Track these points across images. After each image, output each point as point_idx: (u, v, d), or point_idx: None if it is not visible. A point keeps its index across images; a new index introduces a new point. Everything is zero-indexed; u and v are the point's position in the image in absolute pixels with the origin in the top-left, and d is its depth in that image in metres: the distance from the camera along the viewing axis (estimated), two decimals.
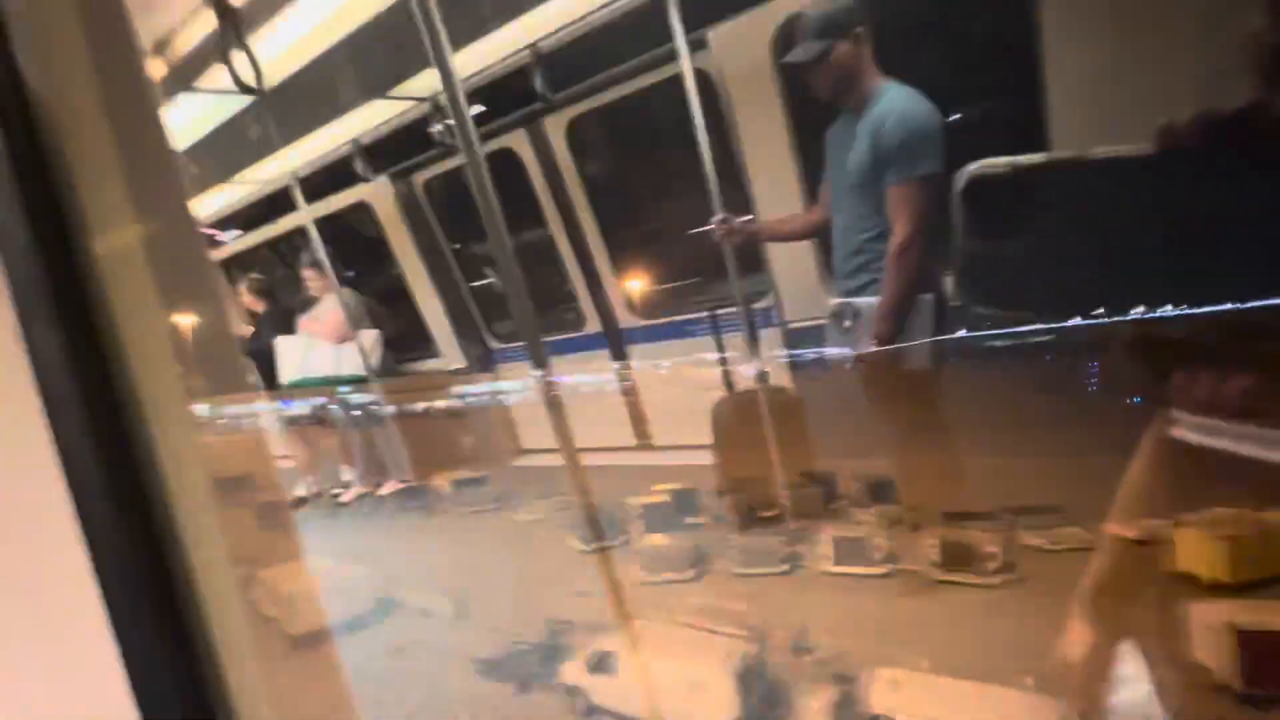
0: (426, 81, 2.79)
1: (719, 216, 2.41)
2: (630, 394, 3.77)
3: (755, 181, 2.83)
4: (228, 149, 3.35)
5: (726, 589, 2.16)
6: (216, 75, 2.32)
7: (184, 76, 2.26)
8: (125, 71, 0.57)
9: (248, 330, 4.36)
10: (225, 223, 4.64)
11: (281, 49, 2.33)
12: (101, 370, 0.49)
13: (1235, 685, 1.27)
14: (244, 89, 1.43)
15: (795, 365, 2.89)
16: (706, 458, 2.88)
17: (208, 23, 1.99)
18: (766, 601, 2.03)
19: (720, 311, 3.10)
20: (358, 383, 4.03)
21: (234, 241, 4.96)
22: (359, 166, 3.65)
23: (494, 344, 4.39)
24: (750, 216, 2.78)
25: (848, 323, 2.16)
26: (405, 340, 4.66)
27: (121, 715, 0.50)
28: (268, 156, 3.41)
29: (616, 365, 3.77)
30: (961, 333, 2.09)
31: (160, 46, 2.09)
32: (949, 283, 2.11)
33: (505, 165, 3.51)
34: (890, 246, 1.98)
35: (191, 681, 0.51)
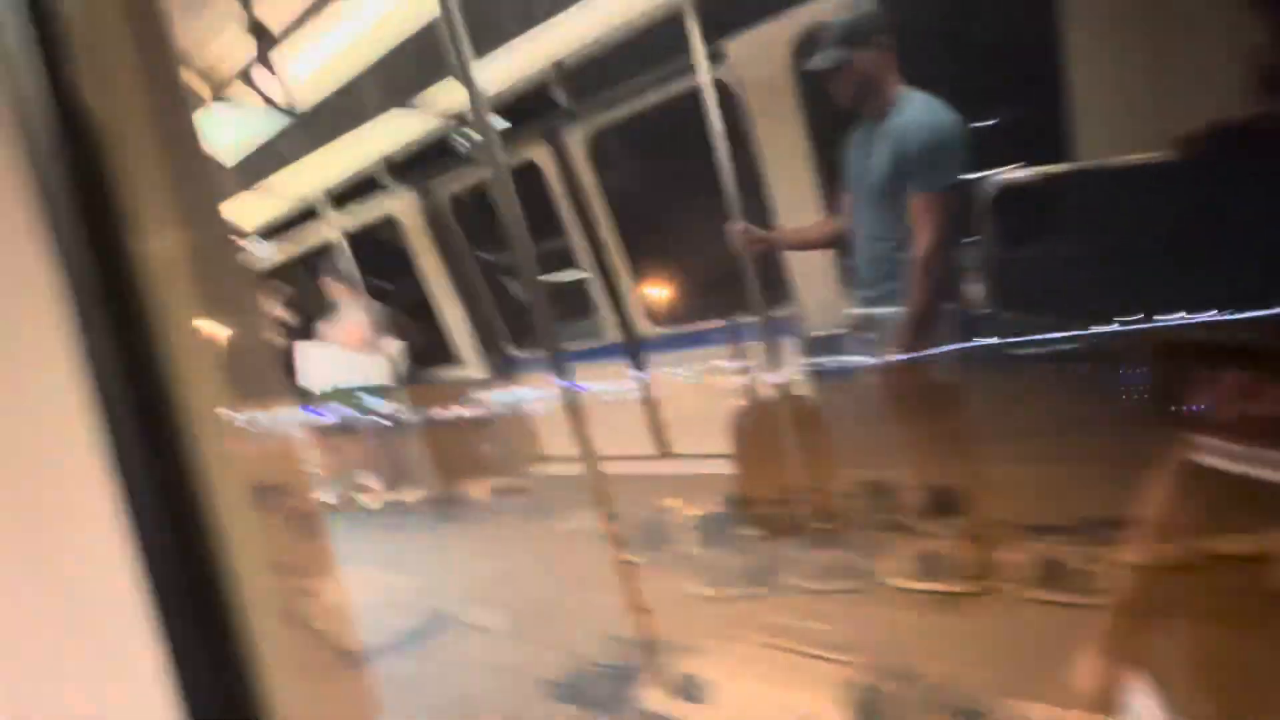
0: (453, 95, 2.86)
1: (739, 226, 2.41)
2: (651, 403, 3.76)
3: (775, 191, 2.84)
4: (263, 165, 3.46)
5: (799, 606, 2.02)
6: (255, 95, 2.41)
7: (225, 96, 2.35)
8: (169, 90, 0.60)
9: (279, 339, 4.47)
10: (257, 235, 4.78)
11: (316, 66, 2.41)
12: (150, 375, 0.52)
13: None
14: (276, 109, 1.49)
15: (822, 374, 2.84)
16: (740, 467, 2.81)
17: (248, 45, 2.07)
18: (848, 621, 1.88)
19: (740, 320, 3.09)
20: (382, 391, 4.10)
21: (266, 253, 5.11)
22: (386, 180, 3.74)
23: (515, 353, 4.43)
24: (770, 226, 2.78)
25: (868, 334, 2.14)
26: (428, 349, 4.73)
27: (164, 713, 0.51)
28: (300, 171, 3.52)
29: (638, 374, 3.77)
30: (988, 340, 2.06)
31: (205, 70, 2.18)
32: (974, 290, 2.08)
33: (527, 177, 3.57)
34: (912, 257, 1.97)
35: (232, 687, 0.52)
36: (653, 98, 3.10)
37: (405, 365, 4.19)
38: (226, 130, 2.79)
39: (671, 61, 2.79)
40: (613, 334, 3.81)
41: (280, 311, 4.50)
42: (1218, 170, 0.57)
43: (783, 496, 2.52)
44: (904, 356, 2.00)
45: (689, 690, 1.58)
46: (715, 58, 2.59)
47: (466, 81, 1.62)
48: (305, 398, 4.15)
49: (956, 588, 1.88)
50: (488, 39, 2.43)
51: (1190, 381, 0.68)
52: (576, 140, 3.41)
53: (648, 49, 2.71)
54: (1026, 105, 2.41)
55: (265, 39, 1.74)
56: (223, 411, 0.57)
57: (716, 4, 2.42)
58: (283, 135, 3.16)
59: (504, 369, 4.43)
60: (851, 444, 2.59)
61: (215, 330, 0.61)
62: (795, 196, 2.79)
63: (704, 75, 2.42)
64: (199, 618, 0.52)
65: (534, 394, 4.27)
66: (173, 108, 0.60)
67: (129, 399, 0.51)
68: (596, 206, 3.54)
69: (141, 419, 0.52)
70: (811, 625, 1.83)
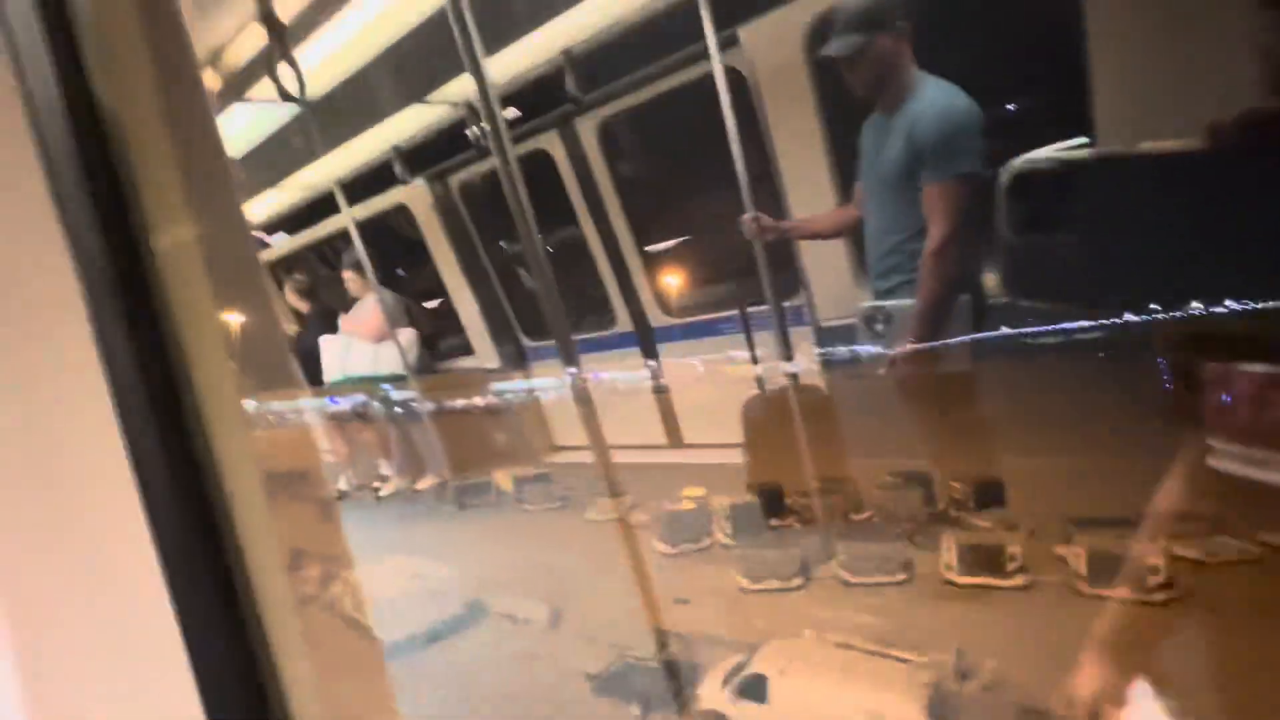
0: (463, 86, 2.86)
1: (750, 214, 2.39)
2: (667, 392, 3.77)
3: (787, 179, 2.81)
4: (275, 156, 3.49)
5: (843, 599, 1.95)
6: (266, 86, 2.43)
7: (236, 88, 2.36)
8: (184, 84, 0.61)
9: (293, 329, 4.52)
10: (272, 226, 4.83)
11: (325, 57, 2.41)
12: (166, 366, 0.53)
13: None
14: (289, 99, 1.50)
15: (841, 364, 2.80)
16: (763, 457, 2.76)
17: (258, 37, 2.08)
18: (897, 615, 1.82)
19: (751, 310, 3.08)
20: (396, 380, 4.14)
21: (280, 244, 5.16)
22: (398, 170, 3.75)
23: (527, 342, 4.45)
24: (782, 215, 2.76)
25: (879, 326, 2.12)
26: (441, 339, 4.77)
27: (185, 702, 0.53)
28: (311, 162, 3.54)
29: (651, 364, 3.77)
30: (1003, 331, 2.03)
31: (214, 60, 2.20)
32: (990, 280, 2.05)
33: (539, 166, 3.56)
34: (926, 247, 1.93)
35: (251, 672, 0.53)
36: (664, 86, 3.07)
37: (420, 355, 4.22)
38: (241, 122, 2.81)
39: (683, 49, 2.76)
40: (624, 324, 3.81)
41: (296, 300, 4.55)
42: (1245, 159, 0.56)
43: (814, 487, 2.45)
44: (916, 347, 1.98)
45: (747, 687, 1.47)
46: (727, 44, 2.56)
47: (475, 70, 1.61)
48: (322, 387, 4.21)
49: (1006, 582, 1.82)
50: (498, 28, 2.42)
51: (1209, 376, 0.66)
52: (588, 129, 3.40)
53: (659, 36, 2.68)
54: (1046, 90, 2.36)
55: (277, 29, 1.75)
56: (240, 401, 0.58)
57: None
58: (296, 126, 3.18)
59: (517, 359, 4.45)
60: (878, 434, 2.53)
61: (232, 322, 0.62)
62: (808, 185, 2.76)
63: (716, 62, 2.39)
64: (218, 604, 0.53)
65: (549, 383, 4.29)
66: (188, 102, 0.60)
67: (147, 391, 0.52)
68: (608, 195, 3.53)
69: (159, 410, 0.53)
70: (863, 619, 1.78)
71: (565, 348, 1.91)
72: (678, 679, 1.67)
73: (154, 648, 0.52)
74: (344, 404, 4.22)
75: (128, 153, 0.54)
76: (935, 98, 1.91)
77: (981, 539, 1.93)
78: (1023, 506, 2.10)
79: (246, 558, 0.55)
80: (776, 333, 2.66)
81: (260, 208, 4.26)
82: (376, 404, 4.23)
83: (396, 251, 4.85)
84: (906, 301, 2.01)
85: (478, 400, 4.45)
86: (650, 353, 3.81)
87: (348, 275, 4.21)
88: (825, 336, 2.92)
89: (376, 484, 4.28)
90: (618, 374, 3.83)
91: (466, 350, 4.64)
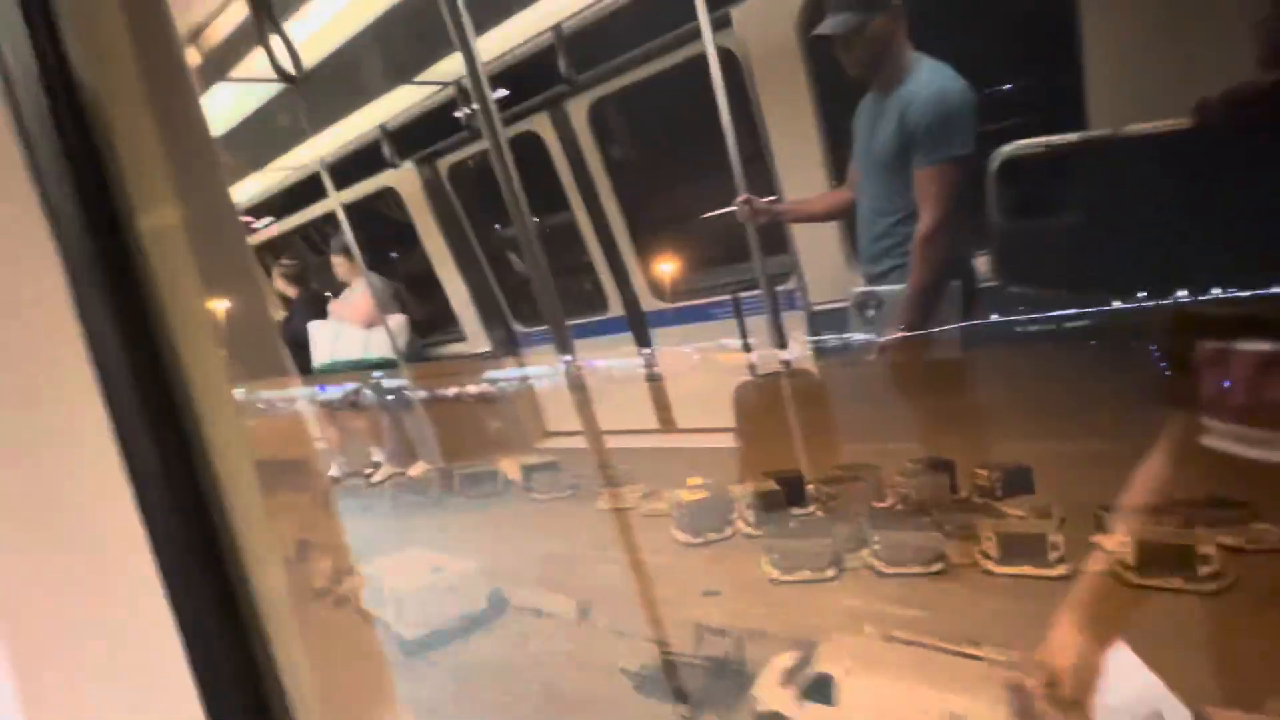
0: (451, 66, 2.81)
1: (742, 197, 2.38)
2: (657, 379, 3.77)
3: (780, 161, 2.79)
4: (259, 137, 3.42)
5: (878, 591, 1.86)
6: (249, 65, 2.37)
7: (218, 66, 2.30)
8: (166, 62, 0.59)
9: (282, 315, 4.47)
10: (257, 210, 4.76)
11: (309, 35, 2.36)
12: (152, 353, 0.52)
13: None
14: (283, 76, 1.45)
15: (829, 350, 2.78)
16: (761, 444, 2.72)
17: (239, 13, 2.03)
18: (937, 608, 1.74)
19: (744, 294, 3.08)
20: (386, 366, 4.12)
21: (266, 228, 5.08)
22: (386, 152, 3.69)
23: (518, 327, 4.44)
24: (774, 197, 2.75)
25: (870, 312, 2.12)
26: (432, 324, 4.74)
27: (182, 697, 0.52)
28: (297, 143, 3.47)
29: (646, 350, 3.76)
30: (994, 317, 2.03)
31: (195, 37, 2.14)
32: (981, 265, 2.06)
33: (529, 149, 3.52)
34: (917, 231, 1.93)
35: (249, 666, 0.53)
36: (656, 67, 3.03)
37: (410, 340, 4.20)
38: (222, 103, 2.75)
39: (675, 29, 2.73)
40: (616, 308, 3.80)
41: (284, 286, 4.50)
42: (1234, 139, 0.56)
43: (838, 475, 2.38)
44: (907, 334, 1.99)
45: (812, 688, 1.35)
46: (720, 25, 2.52)
47: (465, 49, 1.58)
48: (313, 374, 4.18)
49: (1048, 571, 1.76)
50: (488, 5, 2.37)
51: (1203, 360, 0.67)
52: (578, 111, 3.36)
53: (650, 15, 2.64)
54: (1039, 71, 2.35)
55: (259, 3, 1.70)
56: (230, 389, 0.57)
57: None
58: (282, 107, 3.11)
59: (508, 344, 4.44)
60: (877, 420, 2.49)
61: (219, 306, 0.61)
62: (801, 167, 2.75)
63: (709, 43, 2.36)
64: (213, 598, 0.53)
65: (543, 370, 4.27)
66: (171, 82, 0.59)
67: (135, 378, 0.51)
68: (599, 178, 3.50)
69: (148, 397, 0.52)
70: (907, 612, 1.69)
71: (558, 333, 1.90)
72: (729, 677, 1.56)
73: (149, 639, 0.52)
74: (335, 391, 4.19)
75: (110, 135, 0.53)
76: (929, 80, 1.89)
77: (1022, 527, 1.86)
78: (1046, 494, 2.04)
79: (241, 546, 0.55)
80: (769, 318, 2.66)
81: (245, 191, 4.19)
82: (368, 391, 4.20)
83: (386, 236, 4.80)
84: (898, 287, 2.01)
85: (470, 388, 4.43)
86: (642, 338, 3.80)
87: (336, 260, 4.16)
88: (818, 320, 2.93)
89: (368, 470, 4.28)
90: (613, 361, 3.81)
91: (457, 335, 4.62)
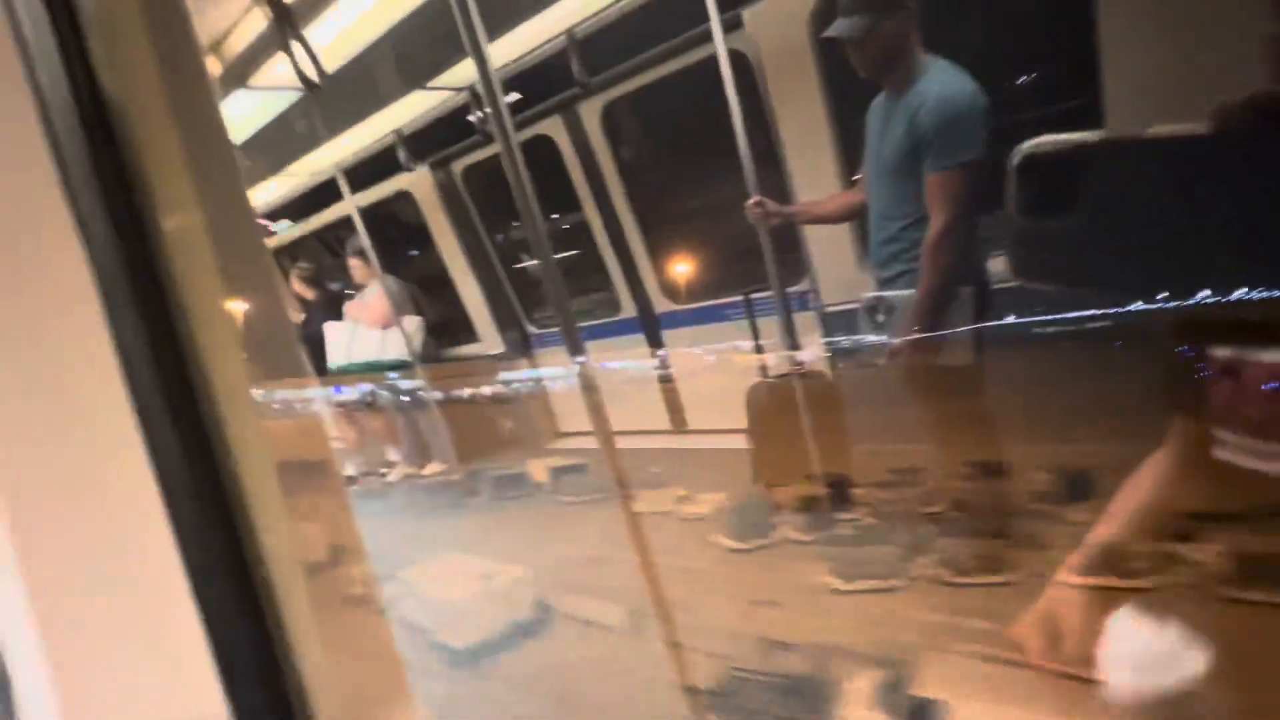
0: (466, 71, 2.84)
1: (754, 199, 2.38)
2: (670, 380, 3.76)
3: (792, 163, 2.79)
4: (277, 143, 3.48)
5: (949, 602, 1.71)
6: (267, 72, 2.42)
7: (238, 74, 2.35)
8: (188, 73, 0.61)
9: (299, 317, 4.54)
10: (275, 214, 4.84)
11: (326, 43, 2.40)
12: (178, 356, 0.54)
13: None
14: (306, 82, 1.48)
15: (843, 352, 2.71)
16: (770, 446, 2.62)
17: (258, 23, 2.07)
18: (1012, 619, 1.56)
19: (756, 295, 3.07)
20: (401, 367, 4.16)
21: (284, 231, 5.17)
22: (401, 156, 3.74)
23: (531, 329, 4.47)
24: (788, 202, 2.74)
25: (880, 317, 2.09)
26: (446, 326, 4.78)
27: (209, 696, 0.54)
28: (314, 149, 3.53)
29: (662, 352, 3.75)
30: (1009, 319, 1.99)
31: (216, 46, 2.19)
32: (995, 267, 2.03)
33: (542, 152, 3.54)
34: (926, 237, 1.89)
35: (271, 663, 0.55)
36: (667, 69, 3.04)
37: (425, 341, 4.24)
38: (241, 109, 2.80)
39: (686, 31, 2.73)
40: (629, 310, 3.81)
41: (301, 288, 4.57)
42: (1255, 143, 0.55)
43: (887, 479, 2.30)
44: (915, 338, 1.95)
45: (913, 712, 1.23)
46: (731, 26, 2.53)
47: (477, 54, 1.60)
48: (330, 375, 4.24)
49: (1132, 583, 1.62)
50: (501, 11, 2.40)
51: (1218, 365, 0.66)
52: (590, 113, 3.38)
53: (662, 17, 2.65)
54: (1056, 72, 2.32)
55: (280, 13, 1.74)
56: (251, 389, 0.59)
57: None
58: (300, 114, 3.17)
59: (521, 345, 4.47)
60: (892, 423, 2.37)
61: (239, 309, 0.63)
62: (813, 169, 2.74)
63: (720, 44, 2.36)
64: (236, 598, 0.54)
65: (557, 372, 4.26)
66: (193, 91, 0.60)
67: (159, 379, 0.53)
68: (611, 180, 3.52)
69: (171, 398, 0.54)
70: (991, 626, 1.53)
71: (571, 335, 1.91)
72: (806, 697, 1.44)
73: (174, 631, 0.54)
74: (351, 393, 4.24)
75: (135, 143, 0.55)
76: (940, 83, 1.86)
77: (1088, 536, 1.63)
78: (1130, 500, 1.89)
79: (262, 543, 0.56)
80: (781, 319, 2.65)
81: (263, 195, 4.26)
82: (384, 392, 4.25)
83: (401, 238, 4.85)
84: (907, 292, 1.99)
85: (484, 389, 4.45)
86: (655, 339, 3.81)
87: (353, 262, 4.22)
88: (830, 322, 2.91)
89: (384, 469, 4.33)
90: (628, 363, 3.78)
91: (471, 337, 4.66)
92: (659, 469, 2.94)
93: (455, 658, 1.93)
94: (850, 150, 2.55)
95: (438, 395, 4.24)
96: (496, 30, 2.46)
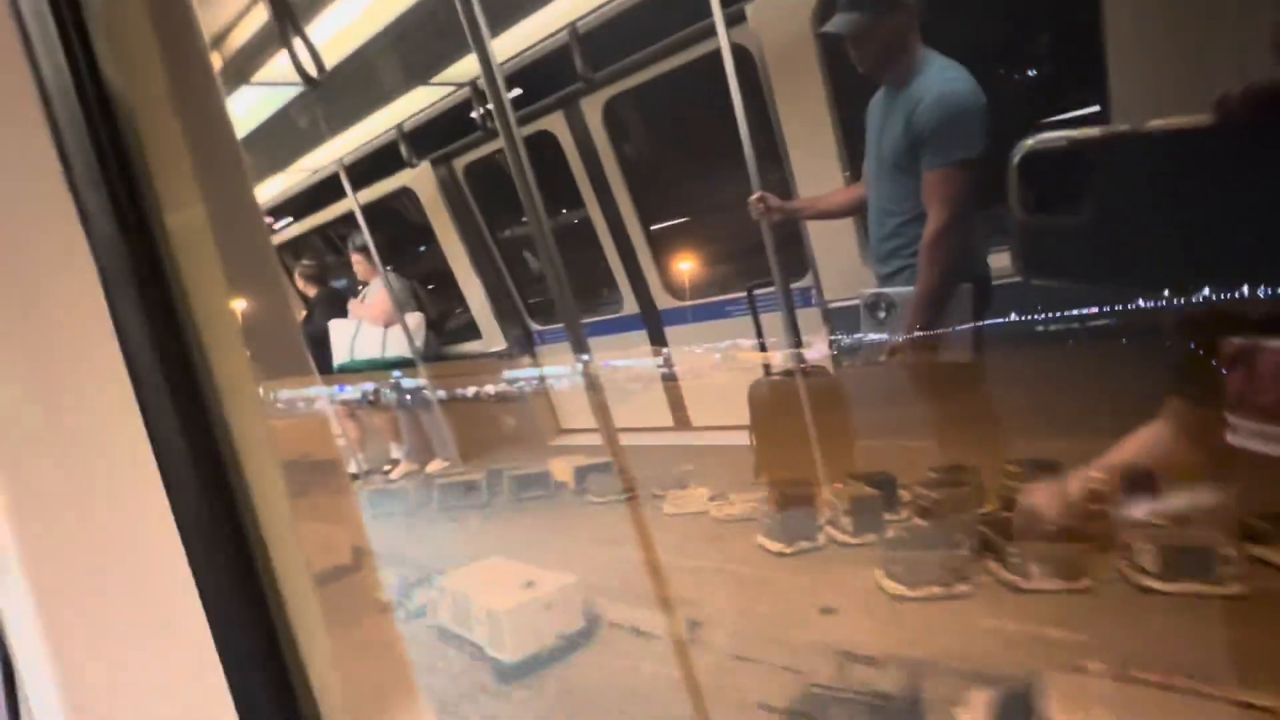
0: (468, 66, 2.83)
1: (757, 195, 2.37)
2: (673, 378, 3.76)
3: (794, 158, 2.78)
4: (279, 139, 3.48)
5: (1026, 610, 1.62)
6: (270, 68, 2.42)
7: (240, 70, 2.35)
8: (192, 68, 0.61)
9: (302, 314, 4.55)
10: (278, 210, 4.84)
11: (327, 38, 2.39)
12: (183, 353, 0.54)
13: None
14: (305, 78, 1.47)
15: (847, 349, 2.69)
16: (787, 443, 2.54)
17: (259, 18, 2.06)
18: (1104, 632, 1.52)
19: (759, 291, 3.07)
20: (404, 365, 4.17)
21: (286, 228, 5.17)
22: (403, 152, 3.74)
23: (534, 326, 4.47)
24: (790, 197, 2.73)
25: (881, 313, 2.08)
26: (448, 323, 4.78)
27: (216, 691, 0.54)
28: (316, 145, 3.53)
29: (665, 351, 3.75)
30: (1010, 317, 1.99)
31: (219, 42, 2.18)
32: (996, 263, 2.03)
33: (544, 147, 3.54)
34: (925, 234, 1.88)
35: (276, 664, 0.55)
36: (669, 64, 3.03)
37: (427, 339, 4.24)
38: (243, 106, 2.80)
39: (688, 26, 2.72)
40: (631, 307, 3.81)
41: (304, 285, 4.57)
42: (1256, 135, 0.55)
43: (941, 479, 2.19)
44: (918, 334, 1.95)
45: None
46: (734, 20, 2.51)
47: (479, 49, 1.60)
48: (332, 374, 4.24)
49: (1220, 589, 1.55)
50: (503, 5, 2.39)
51: (1226, 358, 0.65)
52: (592, 109, 3.37)
53: (665, 13, 2.64)
54: (1059, 67, 2.31)
55: (281, 8, 1.73)
56: (256, 387, 0.59)
57: None
58: (301, 109, 3.16)
59: (523, 342, 4.47)
60: (895, 420, 2.32)
61: (243, 306, 0.62)
62: (815, 164, 2.73)
63: (723, 39, 2.35)
64: (242, 597, 0.54)
65: (561, 369, 4.25)
66: (197, 87, 0.60)
67: (164, 376, 0.53)
68: (613, 176, 3.51)
69: (176, 396, 0.53)
70: (1077, 636, 1.47)
71: (574, 333, 1.91)
72: (898, 717, 1.33)
73: (180, 631, 0.54)
74: (354, 391, 4.25)
75: (139, 138, 0.55)
76: (939, 81, 1.85)
77: (1189, 540, 1.63)
78: (1204, 500, 1.69)
79: (268, 540, 0.56)
80: (784, 316, 2.64)
81: (265, 192, 4.26)
82: (387, 390, 4.26)
83: (404, 235, 4.85)
84: (908, 289, 1.98)
85: (488, 386, 4.45)
86: (657, 336, 3.81)
87: (356, 259, 4.22)
88: (834, 317, 2.90)
89: (387, 467, 4.33)
90: (631, 361, 3.76)
91: (473, 334, 4.66)
92: (691, 467, 2.82)
93: (506, 672, 1.82)
94: (853, 145, 2.54)
95: (441, 393, 4.24)
96: (499, 25, 2.45)
